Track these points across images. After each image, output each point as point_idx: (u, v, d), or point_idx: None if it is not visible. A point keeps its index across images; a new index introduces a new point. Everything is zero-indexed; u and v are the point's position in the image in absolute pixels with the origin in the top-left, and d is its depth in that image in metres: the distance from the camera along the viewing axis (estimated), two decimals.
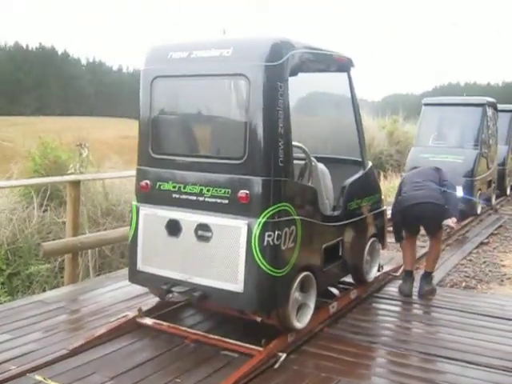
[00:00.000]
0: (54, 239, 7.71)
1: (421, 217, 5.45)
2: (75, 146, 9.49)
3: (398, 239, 5.79)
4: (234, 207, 3.89)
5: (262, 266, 3.78)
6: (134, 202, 4.46)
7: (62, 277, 7.91)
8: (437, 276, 6.74)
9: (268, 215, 3.79)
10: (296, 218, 3.98)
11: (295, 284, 4.05)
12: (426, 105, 11.76)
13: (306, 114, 5.71)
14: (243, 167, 3.87)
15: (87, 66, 78.65)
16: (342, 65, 4.90)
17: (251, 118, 3.83)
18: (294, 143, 4.02)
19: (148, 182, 4.34)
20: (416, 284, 5.68)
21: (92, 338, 4.13)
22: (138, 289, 5.17)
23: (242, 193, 3.84)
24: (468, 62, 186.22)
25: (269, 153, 3.81)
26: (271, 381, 3.65)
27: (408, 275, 5.69)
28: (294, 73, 4.04)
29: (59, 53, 70.66)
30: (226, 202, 3.94)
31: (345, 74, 4.97)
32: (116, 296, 5.27)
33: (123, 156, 11.99)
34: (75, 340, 4.13)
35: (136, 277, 4.47)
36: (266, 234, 3.78)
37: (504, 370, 3.87)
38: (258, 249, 3.78)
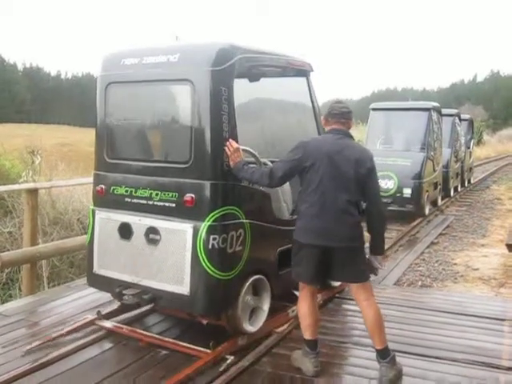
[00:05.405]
0: (1, 251, 7.42)
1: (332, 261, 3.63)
2: (27, 154, 9.20)
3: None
4: (181, 211, 3.93)
5: (207, 268, 3.81)
6: (91, 206, 4.51)
7: (14, 288, 7.67)
8: (393, 276, 6.94)
9: (213, 219, 3.82)
10: (244, 221, 4.00)
11: (245, 287, 4.08)
12: (374, 109, 12.08)
13: (266, 119, 5.73)
14: (189, 171, 3.91)
15: (24, 71, 76.51)
16: (300, 70, 4.93)
17: (196, 122, 3.88)
18: (241, 147, 4.00)
19: (103, 186, 4.39)
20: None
21: (50, 338, 4.18)
22: (100, 297, 5.09)
23: (188, 196, 3.89)
24: (404, 67, 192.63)
25: (214, 157, 3.85)
26: None
27: (312, 347, 3.83)
28: (243, 77, 4.08)
29: None
30: (174, 205, 3.98)
31: (304, 79, 5.02)
32: (78, 306, 5.12)
33: (67, 165, 11.72)
34: (39, 354, 4.01)
35: (93, 280, 4.51)
36: (211, 237, 3.80)
37: (468, 363, 4.02)
38: (203, 252, 3.80)
